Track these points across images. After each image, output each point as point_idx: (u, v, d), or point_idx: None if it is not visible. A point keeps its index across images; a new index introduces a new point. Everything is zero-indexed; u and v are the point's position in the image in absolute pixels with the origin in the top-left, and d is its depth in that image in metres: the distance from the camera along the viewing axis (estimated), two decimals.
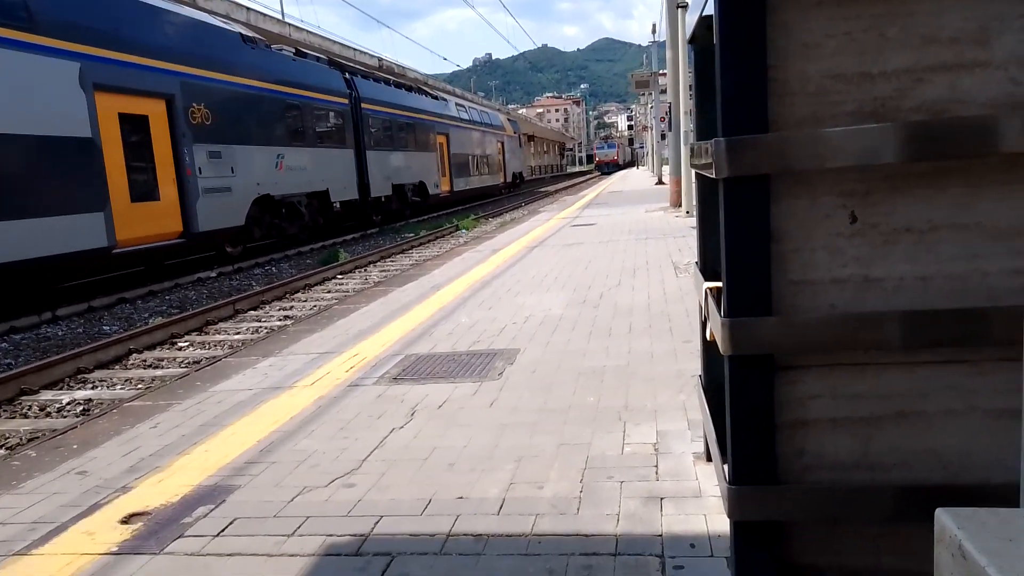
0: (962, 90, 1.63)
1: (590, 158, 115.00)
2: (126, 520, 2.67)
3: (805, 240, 1.75)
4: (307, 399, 4.01)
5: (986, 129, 1.59)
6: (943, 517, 0.94)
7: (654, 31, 31.04)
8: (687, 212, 14.04)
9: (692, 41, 2.56)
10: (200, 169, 12.83)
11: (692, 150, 2.39)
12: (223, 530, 2.53)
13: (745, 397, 1.80)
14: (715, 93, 1.78)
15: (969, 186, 1.66)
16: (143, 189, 11.62)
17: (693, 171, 2.93)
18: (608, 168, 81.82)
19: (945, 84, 1.64)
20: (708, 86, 2.51)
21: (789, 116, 1.71)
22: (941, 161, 1.65)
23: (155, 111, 11.97)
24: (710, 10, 1.94)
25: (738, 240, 1.75)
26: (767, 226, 1.74)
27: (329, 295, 10.23)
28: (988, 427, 1.74)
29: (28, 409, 5.64)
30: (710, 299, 2.10)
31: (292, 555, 2.34)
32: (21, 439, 4.93)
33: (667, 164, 20.87)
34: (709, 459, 2.82)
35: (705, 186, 2.63)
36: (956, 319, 1.66)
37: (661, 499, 2.52)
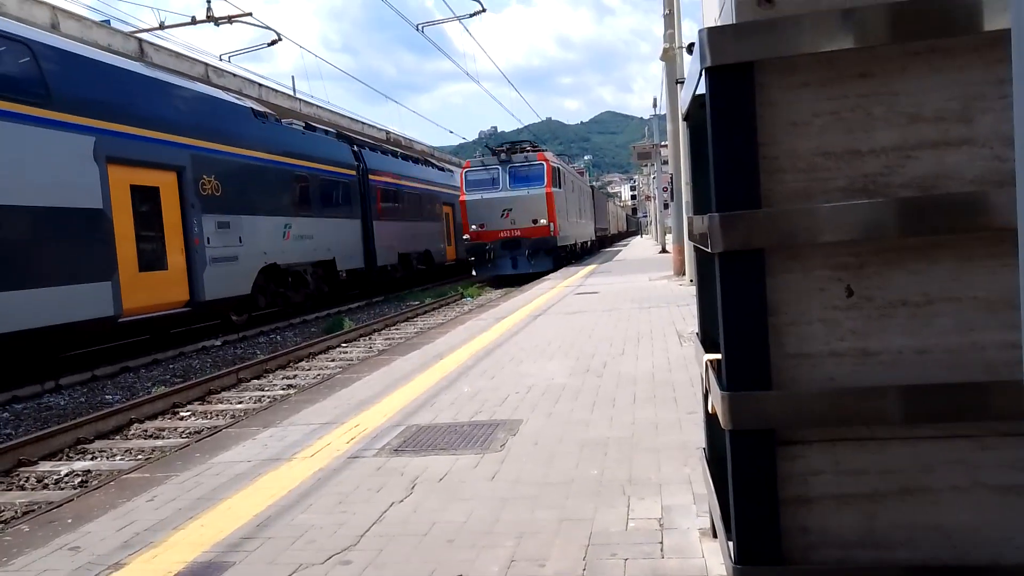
0: (949, 166, 1.67)
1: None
2: None
3: (801, 313, 1.76)
4: (306, 471, 3.95)
5: (974, 204, 1.62)
6: None
7: (655, 105, 31.88)
8: (691, 280, 14.10)
9: (686, 118, 2.63)
10: (208, 239, 13.01)
11: (689, 223, 2.43)
12: None
13: (747, 472, 1.78)
14: (709, 168, 1.83)
15: (961, 260, 1.68)
16: (151, 258, 11.76)
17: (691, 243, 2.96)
18: (510, 261, 22.44)
19: (932, 161, 1.68)
20: (702, 161, 2.56)
21: (781, 192, 1.75)
22: (933, 235, 1.67)
23: (166, 182, 12.23)
24: (703, 89, 2.00)
25: (735, 313, 1.76)
26: (763, 299, 1.75)
27: (333, 364, 10.20)
28: (995, 503, 1.71)
29: (25, 481, 5.57)
30: (711, 371, 2.09)
31: None
32: (16, 512, 4.85)
33: (670, 233, 21.09)
34: (715, 535, 2.76)
35: (703, 258, 2.66)
36: (955, 393, 1.65)
37: None
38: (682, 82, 14.24)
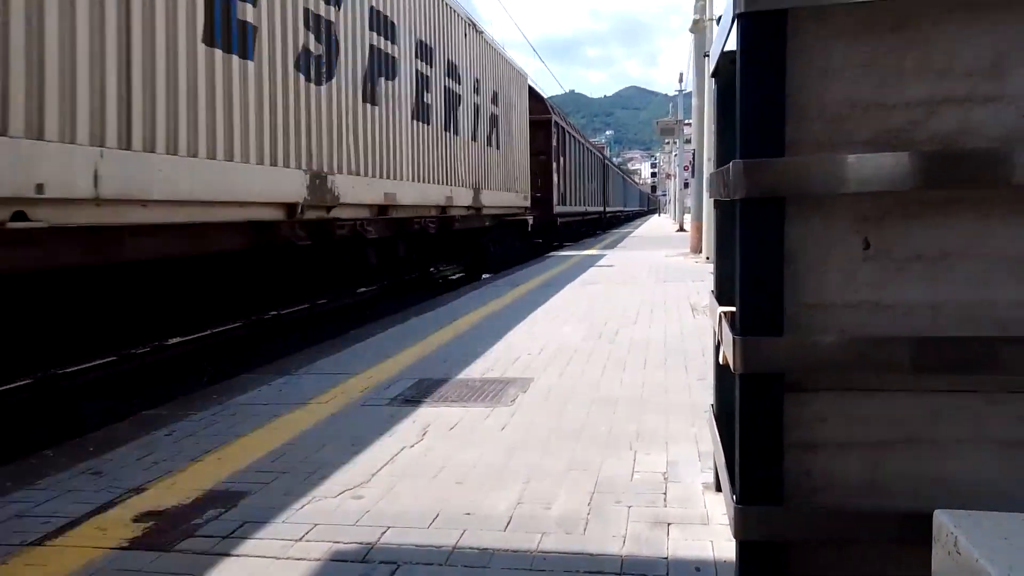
0: (974, 122, 1.68)
1: None
2: (138, 518, 2.70)
3: (818, 263, 1.79)
4: (320, 415, 4.04)
5: (996, 161, 1.63)
6: (941, 517, 0.96)
7: (681, 80, 31.52)
8: (707, 258, 14.05)
9: (715, 74, 2.64)
10: None
11: (711, 179, 2.45)
12: (232, 532, 2.56)
13: (755, 416, 1.82)
14: (735, 124, 1.84)
15: (980, 216, 1.69)
16: None
17: (712, 203, 2.97)
18: None
19: (958, 116, 1.69)
20: (729, 118, 2.57)
21: (805, 141, 1.76)
22: (953, 190, 1.69)
23: None
24: (732, 45, 2.01)
25: (753, 260, 1.79)
26: (781, 248, 1.78)
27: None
28: (998, 457, 1.75)
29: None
30: (724, 322, 2.13)
31: (298, 559, 2.35)
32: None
33: (689, 212, 21.00)
34: (719, 488, 2.81)
35: (724, 215, 2.68)
36: (965, 346, 1.68)
37: (668, 524, 2.51)
38: (709, 56, 14.03)
